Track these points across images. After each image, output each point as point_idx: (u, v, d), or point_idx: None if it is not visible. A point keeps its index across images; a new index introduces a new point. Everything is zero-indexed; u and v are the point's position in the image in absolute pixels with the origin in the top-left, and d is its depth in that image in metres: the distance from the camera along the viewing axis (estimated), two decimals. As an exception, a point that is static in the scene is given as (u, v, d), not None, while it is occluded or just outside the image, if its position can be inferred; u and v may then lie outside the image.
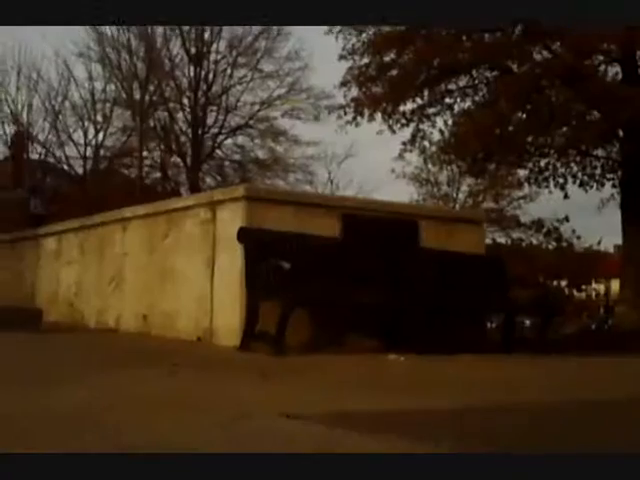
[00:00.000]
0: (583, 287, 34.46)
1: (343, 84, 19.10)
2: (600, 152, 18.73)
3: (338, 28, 18.50)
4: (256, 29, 29.64)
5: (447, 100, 18.57)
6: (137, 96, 28.77)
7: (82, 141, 29.53)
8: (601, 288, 36.91)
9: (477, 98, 18.55)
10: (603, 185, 18.92)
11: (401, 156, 20.92)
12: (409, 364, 7.14)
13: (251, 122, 30.77)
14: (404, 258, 8.73)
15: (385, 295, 8.10)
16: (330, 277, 8.02)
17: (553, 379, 6.44)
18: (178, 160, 30.30)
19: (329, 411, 3.95)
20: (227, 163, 31.25)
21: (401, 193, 49.40)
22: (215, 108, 30.54)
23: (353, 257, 8.40)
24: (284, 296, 7.51)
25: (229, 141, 31.19)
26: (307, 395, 4.81)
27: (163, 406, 4.22)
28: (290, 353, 7.23)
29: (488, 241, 28.55)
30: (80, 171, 29.67)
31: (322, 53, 40.66)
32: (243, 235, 7.94)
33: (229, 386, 5.18)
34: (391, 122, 18.50)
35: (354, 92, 18.87)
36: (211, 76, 30.21)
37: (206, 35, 29.79)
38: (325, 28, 18.80)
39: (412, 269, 8.60)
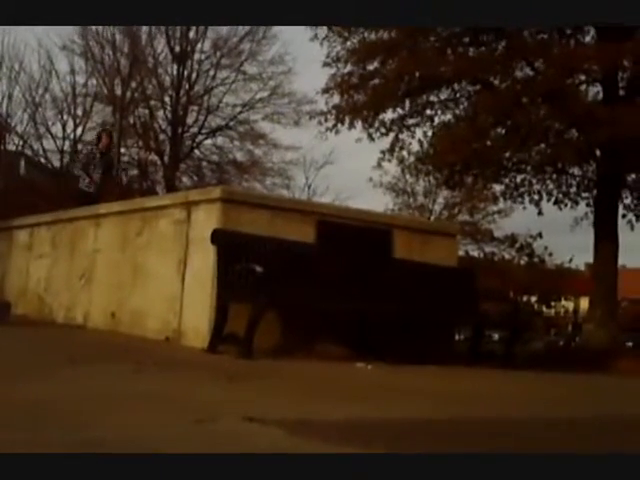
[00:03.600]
0: (553, 304, 34.75)
1: (325, 91, 19.17)
2: (576, 171, 18.93)
3: (323, 34, 18.57)
4: (241, 31, 29.69)
5: (428, 112, 18.71)
6: (118, 92, 28.67)
7: (60, 134, 29.40)
8: (570, 305, 37.28)
9: (457, 111, 18.69)
10: (577, 203, 19.14)
11: (379, 165, 21.05)
12: (376, 373, 7.16)
13: (231, 124, 30.79)
14: (376, 267, 8.76)
15: (356, 303, 8.12)
16: (302, 282, 8.02)
17: (513, 394, 6.48)
18: (156, 158, 30.22)
19: (292, 417, 3.96)
20: (205, 164, 31.22)
21: (377, 202, 49.56)
22: (196, 108, 30.53)
23: (326, 264, 8.41)
24: (255, 299, 7.51)
25: (208, 142, 31.17)
26: (272, 400, 4.81)
27: (128, 405, 4.21)
28: (258, 357, 7.22)
29: (461, 253, 28.73)
30: (57, 165, 29.50)
31: (306, 59, 40.71)
32: (217, 237, 7.93)
33: (194, 387, 5.17)
34: (371, 131, 18.60)
35: (336, 99, 18.95)
36: (194, 76, 30.22)
37: (191, 34, 29.79)
38: (310, 34, 18.86)
39: (384, 278, 8.63)
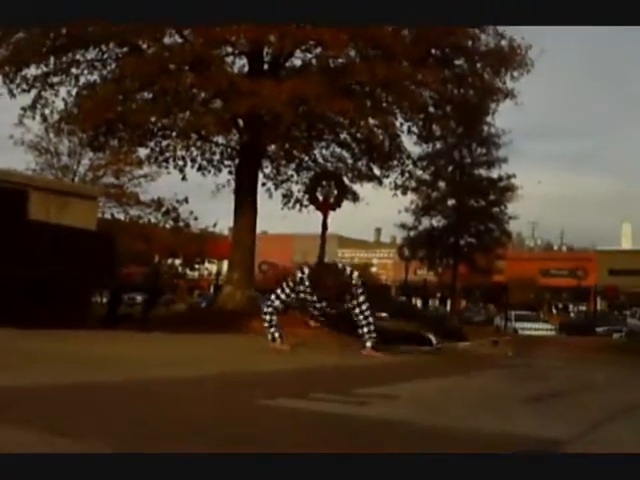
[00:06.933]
0: (197, 266, 35.70)
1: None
2: (220, 139, 19.52)
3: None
4: None
5: (73, 70, 18.19)
6: None
7: None
8: (214, 268, 38.53)
9: (104, 72, 18.39)
10: (220, 171, 19.82)
11: (21, 122, 20.20)
12: (6, 338, 6.98)
13: None
14: (9, 229, 8.48)
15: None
16: None
17: (145, 355, 6.65)
18: None
19: None
20: None
21: (19, 161, 47.37)
22: None
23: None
24: None
25: None
26: None
27: None
28: None
29: (107, 217, 28.45)
30: None
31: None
32: None
33: None
34: (12, 86, 17.76)
35: (-24, 52, 17.80)
36: None
37: None
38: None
39: (17, 241, 8.39)
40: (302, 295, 8.11)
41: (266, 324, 7.98)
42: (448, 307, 44.08)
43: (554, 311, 56.72)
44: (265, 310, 8.06)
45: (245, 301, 17.69)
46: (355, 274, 8.23)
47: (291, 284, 8.10)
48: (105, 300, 16.10)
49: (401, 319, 10.03)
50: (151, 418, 2.96)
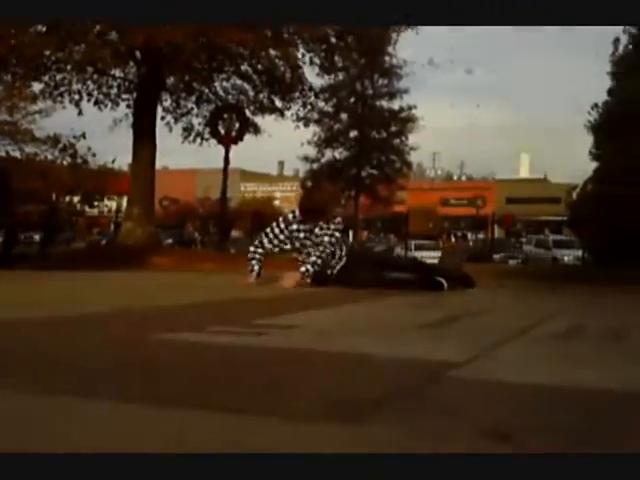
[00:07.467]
0: (96, 204, 35.11)
1: None
2: (118, 72, 19.08)
3: None
4: None
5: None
6: None
7: None
8: (113, 205, 37.98)
9: None
10: (118, 105, 19.41)
11: None
12: None
13: None
14: None
15: None
16: None
17: (37, 295, 6.55)
18: None
19: None
20: None
21: None
22: None
23: None
24: None
25: None
26: None
27: None
28: None
29: (1, 154, 27.60)
30: None
31: None
32: None
33: None
34: None
35: None
36: None
37: None
38: None
39: None
40: (290, 239, 8.00)
41: (250, 255, 7.98)
42: (350, 238, 44.57)
43: (453, 239, 58.05)
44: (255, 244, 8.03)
45: (145, 237, 17.53)
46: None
47: (282, 225, 8.00)
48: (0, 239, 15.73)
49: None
50: (39, 357, 2.91)
